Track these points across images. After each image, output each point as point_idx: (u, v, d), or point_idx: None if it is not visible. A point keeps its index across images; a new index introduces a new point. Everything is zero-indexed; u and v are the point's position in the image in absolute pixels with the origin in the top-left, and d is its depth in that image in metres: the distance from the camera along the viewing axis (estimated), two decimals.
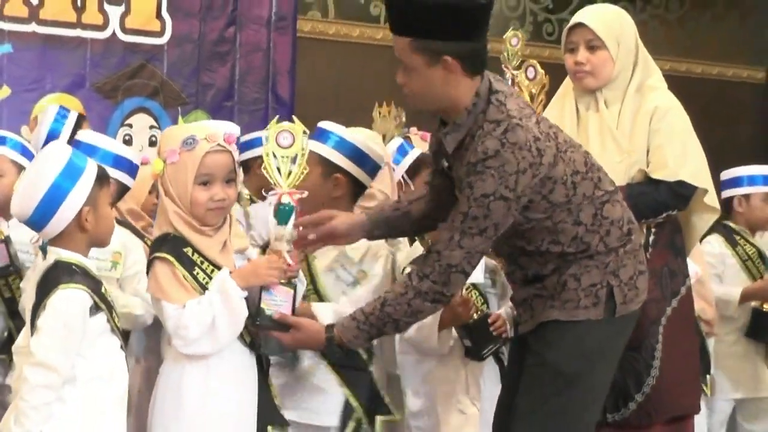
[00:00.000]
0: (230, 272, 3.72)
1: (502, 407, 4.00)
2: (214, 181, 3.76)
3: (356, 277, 4.24)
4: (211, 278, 3.75)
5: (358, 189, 4.31)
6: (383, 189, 4.96)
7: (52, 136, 4.97)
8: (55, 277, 3.47)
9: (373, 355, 4.23)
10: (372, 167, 4.31)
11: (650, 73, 4.43)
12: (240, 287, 3.70)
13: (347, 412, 4.17)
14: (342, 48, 7.68)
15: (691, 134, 4.42)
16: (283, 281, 3.77)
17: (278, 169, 3.82)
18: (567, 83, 4.53)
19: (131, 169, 4.60)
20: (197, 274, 3.75)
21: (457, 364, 4.70)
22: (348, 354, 3.84)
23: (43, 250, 3.55)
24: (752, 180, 6.20)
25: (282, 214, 3.79)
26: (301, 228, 3.80)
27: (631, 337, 4.26)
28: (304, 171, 3.83)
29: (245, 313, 3.68)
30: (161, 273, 3.71)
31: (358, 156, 4.27)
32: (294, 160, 3.82)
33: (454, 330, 4.61)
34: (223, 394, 3.72)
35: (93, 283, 3.49)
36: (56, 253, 3.51)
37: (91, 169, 3.51)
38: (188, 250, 3.75)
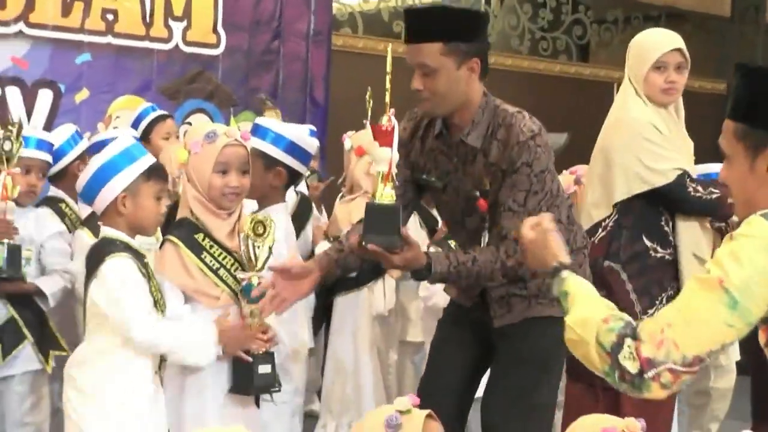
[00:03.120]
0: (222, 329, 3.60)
1: (462, 382, 3.89)
2: (230, 170, 3.70)
3: None
4: (218, 261, 3.69)
5: (293, 178, 4.28)
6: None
7: (137, 121, 5.11)
8: (101, 250, 3.43)
9: None
10: (304, 157, 4.26)
11: None
12: (221, 347, 3.59)
13: None
14: (369, 60, 7.64)
15: None
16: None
17: (253, 253, 3.67)
18: (632, 91, 4.43)
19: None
20: (204, 257, 3.67)
21: None
22: None
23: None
24: None
25: (251, 292, 3.66)
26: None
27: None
28: (269, 258, 3.69)
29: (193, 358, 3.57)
30: (167, 254, 3.64)
31: (293, 149, 4.20)
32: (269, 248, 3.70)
33: None
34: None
35: (136, 256, 3.43)
36: (103, 231, 3.47)
37: (142, 162, 3.45)
38: (199, 236, 3.67)
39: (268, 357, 3.71)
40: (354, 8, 7.92)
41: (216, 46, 6.56)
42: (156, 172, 3.50)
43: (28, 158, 4.37)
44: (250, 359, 3.63)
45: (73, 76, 6.02)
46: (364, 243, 3.37)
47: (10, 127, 4.21)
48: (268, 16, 6.78)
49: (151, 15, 6.30)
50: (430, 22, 3.49)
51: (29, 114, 5.85)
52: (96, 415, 3.38)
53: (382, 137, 3.33)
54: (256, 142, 4.10)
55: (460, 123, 3.58)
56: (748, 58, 9.88)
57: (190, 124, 6.39)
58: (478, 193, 3.59)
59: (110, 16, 6.15)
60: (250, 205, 3.98)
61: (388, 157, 3.34)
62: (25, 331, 4.35)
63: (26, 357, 4.38)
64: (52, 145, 4.57)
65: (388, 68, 3.33)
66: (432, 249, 4.57)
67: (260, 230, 3.67)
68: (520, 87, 7.97)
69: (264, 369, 3.69)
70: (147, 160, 3.48)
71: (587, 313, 2.63)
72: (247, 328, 3.66)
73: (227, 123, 6.35)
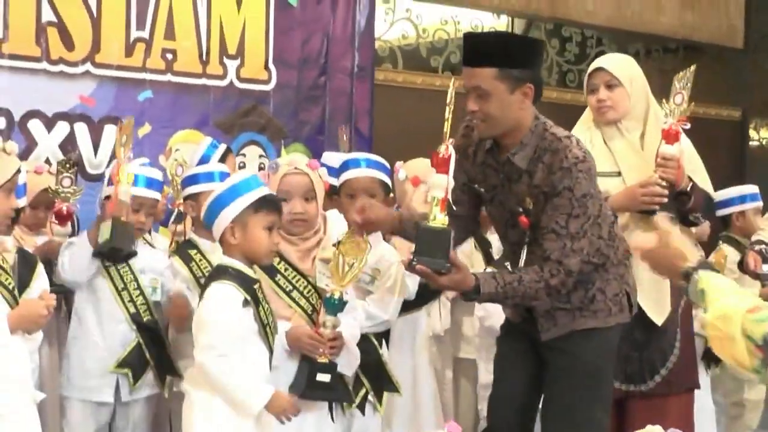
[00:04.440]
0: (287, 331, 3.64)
1: (511, 398, 3.84)
2: (293, 198, 3.70)
3: (372, 275, 4.12)
4: (291, 283, 3.66)
5: None
6: None
7: (202, 161, 4.91)
8: (212, 276, 3.44)
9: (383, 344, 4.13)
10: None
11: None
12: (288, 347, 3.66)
13: (357, 386, 4.03)
14: (409, 93, 7.62)
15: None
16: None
17: (342, 268, 3.67)
18: (587, 118, 4.43)
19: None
20: (278, 279, 3.68)
21: None
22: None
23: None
24: (752, 197, 6.10)
25: (333, 306, 3.65)
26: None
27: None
28: (358, 275, 3.71)
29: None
30: None
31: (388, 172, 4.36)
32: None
33: None
34: None
35: (247, 282, 3.37)
36: (220, 259, 3.45)
37: (251, 195, 3.40)
38: (275, 259, 3.65)
39: (330, 367, 3.67)
40: (393, 44, 7.90)
41: (267, 82, 6.55)
42: (266, 204, 3.43)
43: (139, 196, 4.27)
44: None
45: (136, 112, 5.97)
46: (413, 263, 3.35)
47: (68, 166, 4.17)
48: (315, 53, 6.77)
49: (207, 54, 6.30)
50: (486, 48, 3.48)
51: (96, 148, 5.86)
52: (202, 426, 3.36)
53: (440, 165, 3.33)
54: (380, 175, 4.23)
55: (509, 144, 3.54)
56: (762, 86, 9.81)
57: (244, 155, 6.38)
58: (520, 209, 3.56)
59: (170, 56, 6.16)
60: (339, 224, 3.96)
61: (444, 183, 3.34)
62: (149, 356, 4.25)
63: (148, 382, 4.30)
64: (161, 182, 4.53)
65: (449, 100, 3.31)
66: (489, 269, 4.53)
67: (354, 251, 3.66)
68: (549, 116, 7.82)
69: (323, 377, 3.67)
70: (256, 193, 3.42)
71: (728, 308, 2.34)
72: (318, 336, 3.64)
73: (278, 154, 6.35)
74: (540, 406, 3.86)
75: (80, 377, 4.18)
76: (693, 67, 4.34)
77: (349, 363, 3.82)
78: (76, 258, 4.12)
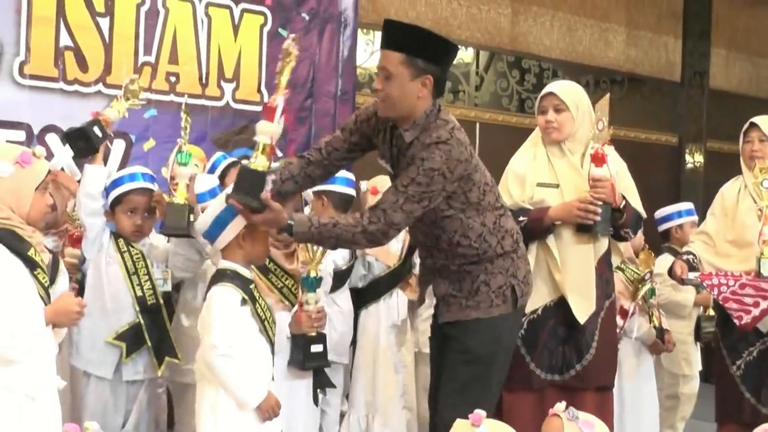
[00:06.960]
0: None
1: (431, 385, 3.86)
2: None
3: None
4: (281, 281, 3.72)
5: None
6: None
7: (212, 168, 5.04)
8: (214, 280, 3.44)
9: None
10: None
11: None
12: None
13: None
14: None
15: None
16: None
17: (311, 251, 3.82)
18: (536, 136, 4.43)
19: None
20: (271, 278, 3.74)
21: None
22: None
23: None
24: (688, 213, 6.17)
25: (311, 284, 3.74)
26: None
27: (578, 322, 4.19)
28: (325, 254, 3.85)
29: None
30: None
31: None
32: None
33: None
34: None
35: (245, 283, 3.41)
36: (221, 263, 3.46)
37: None
38: (267, 260, 3.77)
39: (321, 338, 3.74)
40: (373, 71, 7.94)
41: (260, 103, 6.55)
42: None
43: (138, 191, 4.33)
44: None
45: (142, 128, 6.04)
46: (229, 197, 3.36)
47: None
48: (303, 78, 6.81)
49: (207, 77, 6.35)
50: (400, 35, 3.44)
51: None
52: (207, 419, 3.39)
53: (268, 112, 3.33)
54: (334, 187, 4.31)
55: (405, 126, 3.52)
56: (696, 115, 9.90)
57: None
58: None
59: (173, 78, 6.20)
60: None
61: (270, 130, 3.31)
62: (147, 337, 4.13)
63: (147, 365, 4.17)
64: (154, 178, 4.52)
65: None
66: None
67: None
68: (509, 139, 7.91)
69: (316, 348, 3.78)
70: None
71: None
72: (304, 313, 3.68)
73: None
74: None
75: (87, 350, 4.08)
76: (607, 96, 4.37)
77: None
78: (89, 186, 4.16)
